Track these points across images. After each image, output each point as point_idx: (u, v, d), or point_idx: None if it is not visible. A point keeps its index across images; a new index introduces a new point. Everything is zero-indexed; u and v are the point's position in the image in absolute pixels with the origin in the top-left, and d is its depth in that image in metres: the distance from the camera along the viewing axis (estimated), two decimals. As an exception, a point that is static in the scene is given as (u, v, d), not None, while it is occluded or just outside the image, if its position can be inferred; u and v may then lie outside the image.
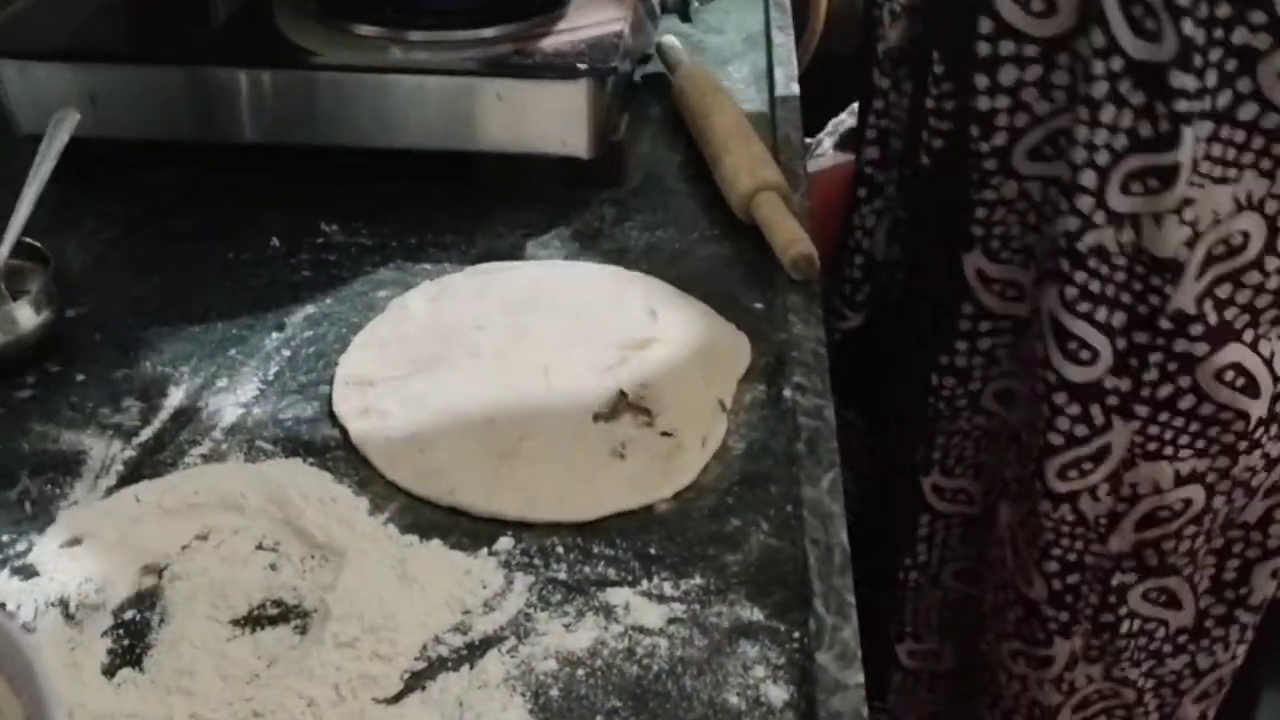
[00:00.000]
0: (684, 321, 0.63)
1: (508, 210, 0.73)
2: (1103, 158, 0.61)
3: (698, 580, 0.48)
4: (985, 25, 0.63)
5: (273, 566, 0.48)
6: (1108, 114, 0.60)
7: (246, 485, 0.51)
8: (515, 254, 0.70)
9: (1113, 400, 0.67)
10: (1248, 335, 0.65)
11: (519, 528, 0.50)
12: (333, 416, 0.56)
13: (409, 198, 0.74)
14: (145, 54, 0.72)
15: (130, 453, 0.54)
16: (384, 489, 0.52)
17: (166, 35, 0.75)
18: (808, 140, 1.24)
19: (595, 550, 0.49)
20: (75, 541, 0.49)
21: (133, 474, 0.53)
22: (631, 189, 0.76)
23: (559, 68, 0.68)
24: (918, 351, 0.75)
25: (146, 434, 0.55)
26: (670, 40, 0.89)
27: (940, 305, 0.72)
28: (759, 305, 0.65)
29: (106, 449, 0.54)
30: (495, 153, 0.72)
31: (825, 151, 1.20)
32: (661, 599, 0.47)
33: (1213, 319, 0.64)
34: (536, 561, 0.49)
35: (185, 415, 0.56)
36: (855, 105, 1.22)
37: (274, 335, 0.62)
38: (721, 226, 0.72)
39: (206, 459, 0.54)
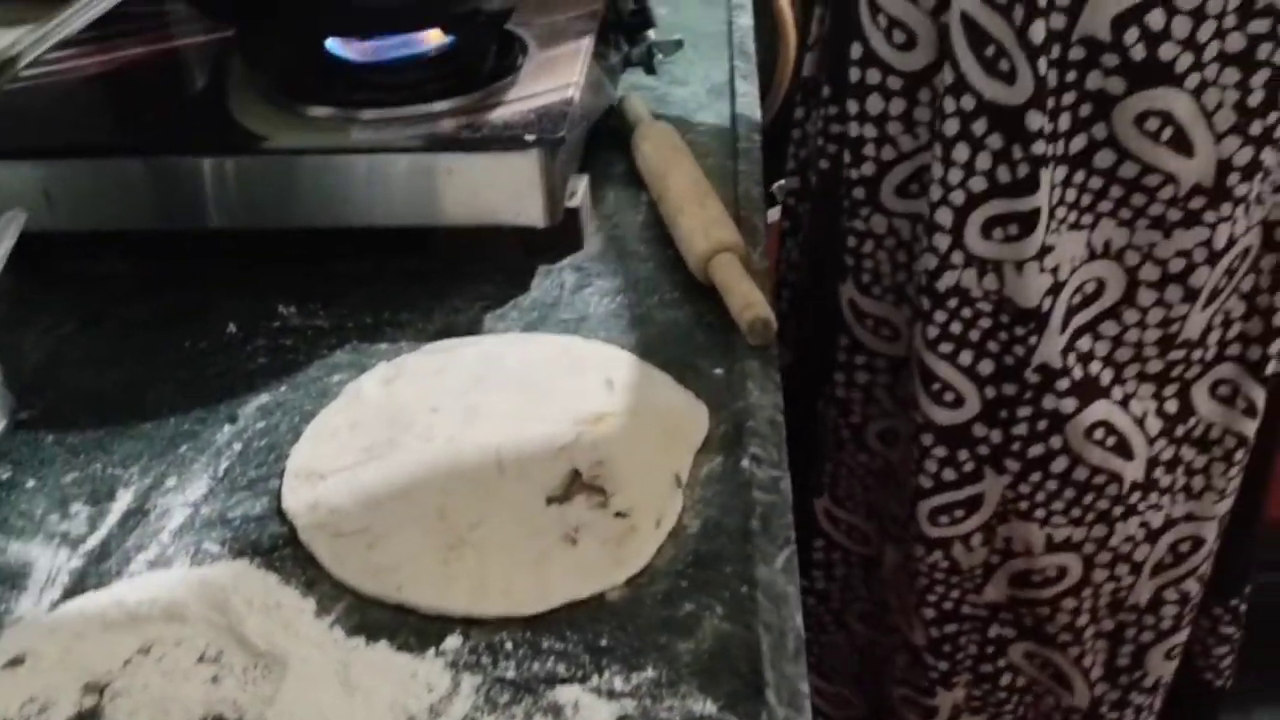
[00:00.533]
0: (641, 392, 0.62)
1: (465, 284, 0.72)
2: (959, 197, 0.61)
3: (649, 673, 0.47)
4: (855, 51, 0.63)
5: (214, 679, 0.47)
6: (961, 153, 0.60)
7: (190, 593, 0.50)
8: (474, 328, 0.69)
9: (983, 450, 0.66)
10: (1115, 392, 0.65)
11: (467, 624, 0.49)
12: (281, 513, 0.55)
13: (367, 276, 0.73)
14: (98, 147, 0.72)
15: (76, 562, 0.53)
16: (331, 588, 0.51)
17: (118, 127, 0.75)
18: (782, 183, 1.23)
19: (545, 645, 0.48)
20: (18, 661, 0.48)
21: (78, 585, 0.52)
22: (591, 254, 0.75)
23: (507, 140, 0.68)
24: (805, 379, 0.75)
25: (93, 541, 0.54)
26: (631, 97, 0.89)
27: (822, 336, 0.72)
28: (718, 371, 0.64)
29: (53, 559, 0.54)
30: (452, 227, 0.72)
31: (802, 193, 1.20)
32: (612, 695, 0.46)
33: (1077, 373, 0.64)
34: (484, 660, 0.48)
35: (133, 519, 0.55)
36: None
37: (226, 428, 0.61)
38: (682, 289, 0.71)
39: (152, 565, 0.53)
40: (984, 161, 0.60)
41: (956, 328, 0.64)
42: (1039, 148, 0.58)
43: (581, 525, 0.53)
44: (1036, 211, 0.59)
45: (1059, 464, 0.66)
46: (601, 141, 0.88)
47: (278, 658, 0.47)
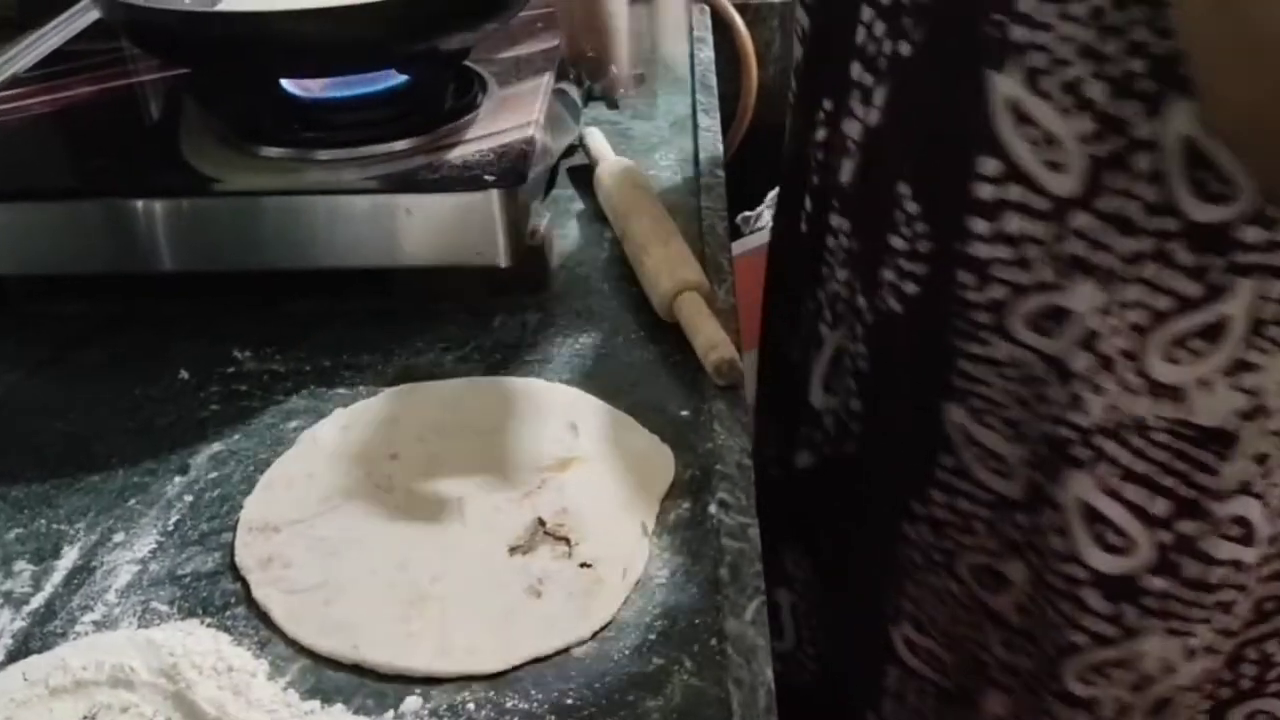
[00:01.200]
0: (606, 436, 0.60)
1: (426, 325, 0.71)
2: (1142, 318, 0.56)
3: (616, 732, 0.45)
4: (990, 166, 0.57)
5: (162, 748, 0.45)
6: (1147, 270, 0.55)
7: (136, 657, 0.48)
8: (435, 370, 0.67)
9: (1150, 602, 0.61)
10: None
11: (428, 683, 0.48)
12: (234, 568, 0.53)
13: (324, 318, 0.72)
14: (46, 190, 0.70)
15: (20, 623, 0.51)
16: (285, 649, 0.49)
17: (69, 169, 0.74)
18: (748, 214, 1.23)
19: (509, 704, 0.47)
20: (-46, 731, 0.46)
21: (21, 648, 0.50)
22: (555, 293, 0.74)
23: (467, 180, 0.67)
24: (881, 497, 0.69)
25: (37, 601, 0.52)
26: (593, 133, 0.88)
27: (911, 454, 0.66)
28: (685, 413, 0.63)
29: (-5, 620, 0.51)
30: (411, 267, 0.70)
31: (765, 224, 1.20)
32: (578, 756, 0.44)
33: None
34: (446, 722, 0.46)
35: (78, 577, 0.53)
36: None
37: (177, 479, 0.59)
38: (647, 328, 0.70)
39: (99, 625, 0.51)
40: (1173, 279, 0.55)
41: (1125, 458, 0.58)
42: (1240, 257, 0.54)
43: (546, 577, 0.52)
44: (1228, 320, 0.55)
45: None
46: (563, 177, 0.87)
47: (229, 724, 0.45)
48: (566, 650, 0.49)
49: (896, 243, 0.63)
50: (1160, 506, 0.59)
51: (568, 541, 0.54)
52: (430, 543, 0.54)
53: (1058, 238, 0.57)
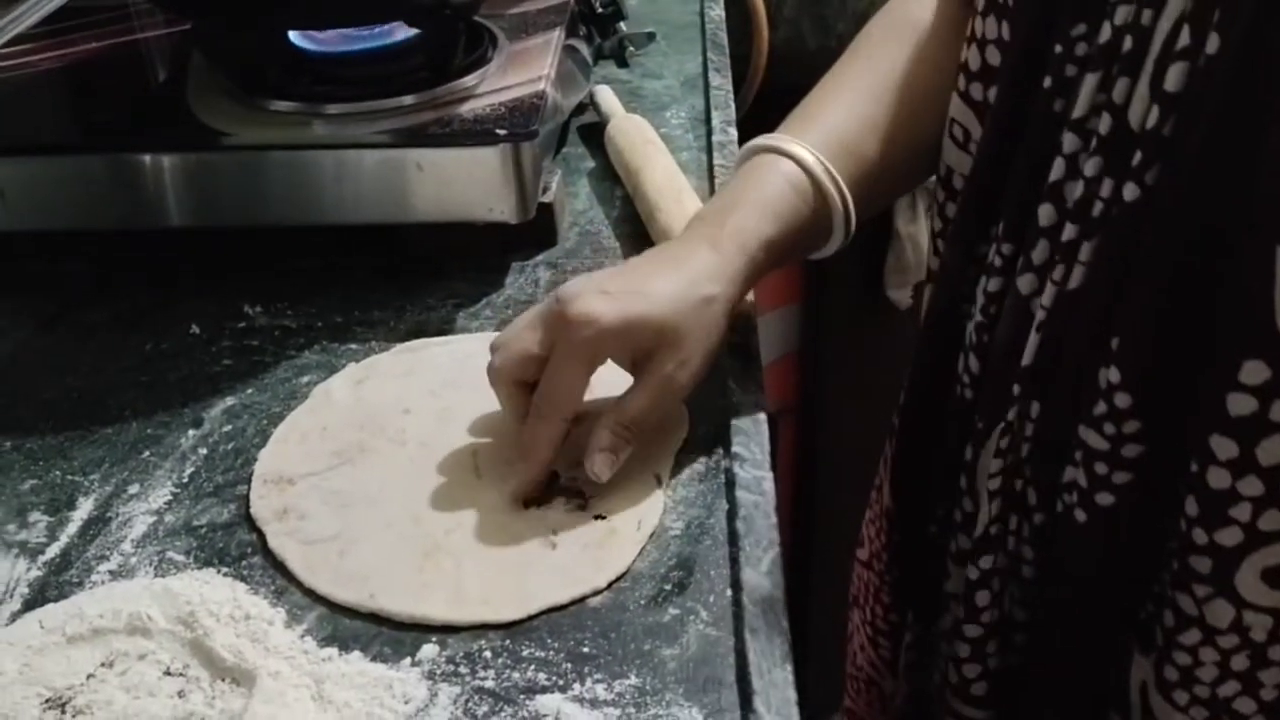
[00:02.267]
0: (618, 391, 0.60)
1: (437, 281, 0.70)
2: None
3: (633, 680, 0.45)
4: (1257, 373, 0.43)
5: (180, 694, 0.45)
6: None
7: (153, 605, 0.48)
8: (446, 327, 0.67)
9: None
10: None
11: (444, 631, 0.48)
12: (250, 519, 0.53)
13: (336, 274, 0.71)
14: (54, 144, 0.70)
15: (36, 573, 0.51)
16: (302, 598, 0.49)
17: (76, 123, 0.73)
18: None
19: (525, 653, 0.47)
20: (-27, 677, 0.46)
21: (37, 597, 0.50)
22: (566, 249, 0.74)
23: (477, 134, 0.66)
24: None
25: (53, 551, 0.52)
26: (604, 90, 0.87)
27: (1076, 706, 0.55)
28: (697, 368, 0.62)
29: (11, 570, 0.51)
30: (422, 223, 0.70)
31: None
32: (595, 704, 0.44)
33: None
34: (462, 670, 0.46)
35: (94, 527, 0.53)
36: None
37: (191, 433, 0.59)
38: (658, 285, 0.69)
39: (115, 575, 0.51)
40: None
41: None
42: None
43: (560, 529, 0.52)
44: None
45: None
46: (574, 135, 0.86)
47: (246, 671, 0.45)
48: (582, 600, 0.49)
49: (1093, 440, 0.49)
50: None
51: (581, 494, 0.54)
52: (444, 495, 0.54)
53: None
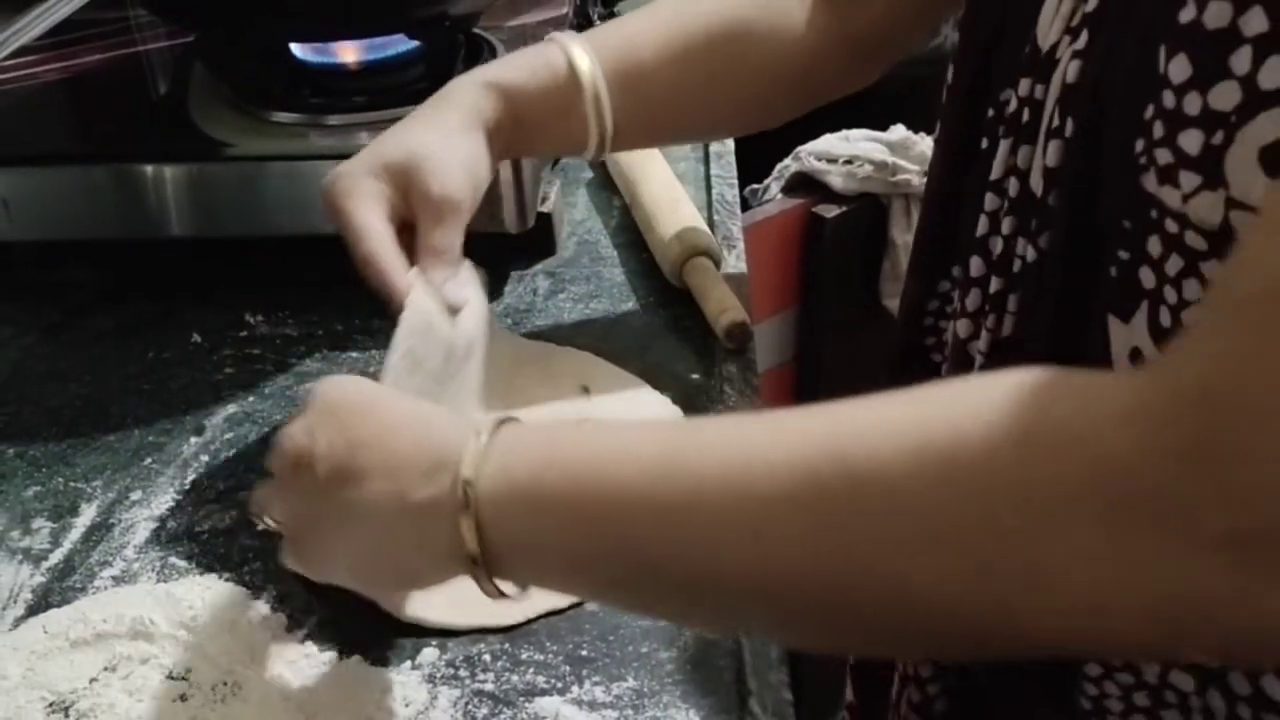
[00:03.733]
0: (617, 398, 0.61)
1: (437, 290, 0.71)
2: None
3: (630, 682, 0.46)
4: None
5: (182, 698, 0.46)
6: None
7: (156, 610, 0.48)
8: (446, 335, 0.68)
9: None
10: None
11: (443, 635, 0.48)
12: (250, 525, 0.54)
13: (336, 283, 0.71)
14: (58, 155, 0.70)
15: (40, 578, 0.52)
16: (302, 603, 0.50)
17: (79, 134, 0.74)
18: (755, 186, 1.23)
19: (524, 656, 0.47)
20: (-23, 682, 0.47)
21: (41, 602, 0.51)
22: (565, 259, 0.74)
23: (477, 145, 0.67)
24: None
25: (56, 557, 0.53)
26: (601, 102, 0.88)
27: None
28: (695, 376, 0.63)
29: (15, 576, 0.52)
30: (421, 232, 0.70)
31: (773, 196, 1.20)
32: (593, 706, 0.45)
33: None
34: (462, 673, 0.47)
35: (97, 534, 0.54)
36: (800, 149, 1.22)
37: (193, 440, 0.60)
38: (656, 294, 0.70)
39: (118, 581, 0.51)
40: None
41: None
42: None
43: None
44: None
45: None
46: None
47: (248, 675, 0.46)
48: (580, 603, 0.49)
49: None
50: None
51: None
52: None
53: None
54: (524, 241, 0.72)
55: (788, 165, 1.19)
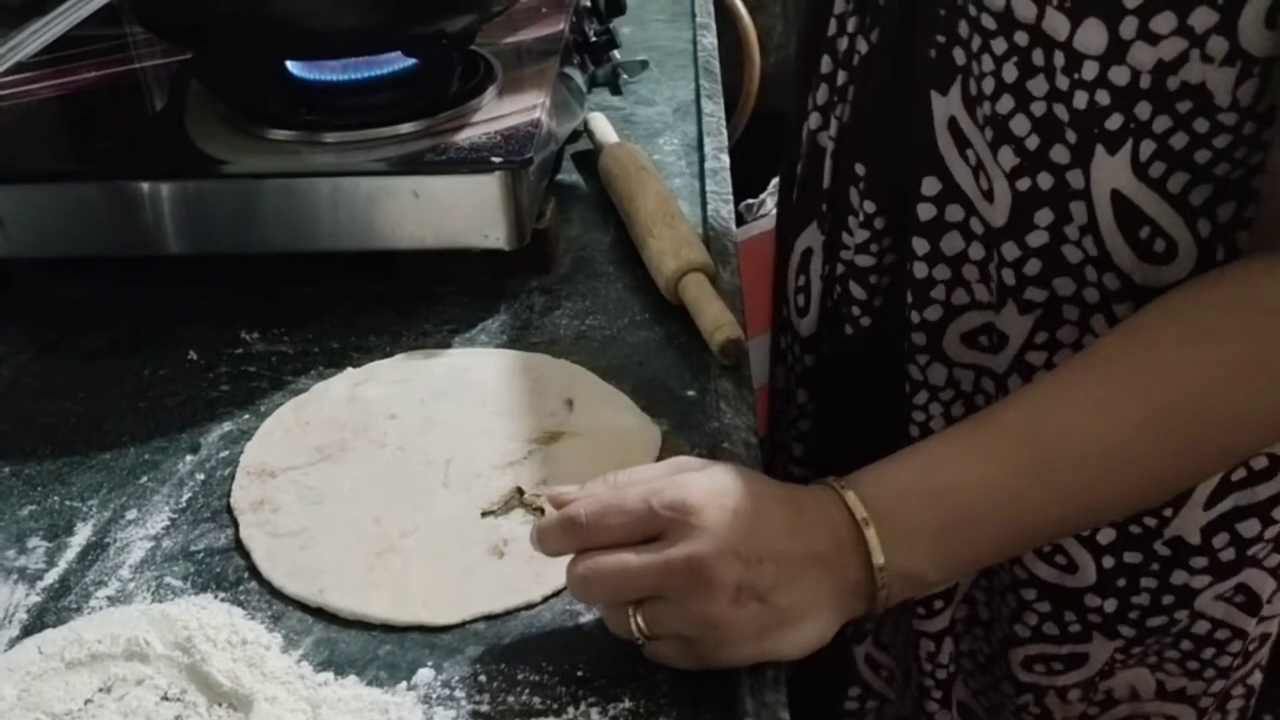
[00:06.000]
0: (599, 413, 0.61)
1: (433, 307, 0.71)
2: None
3: (627, 704, 0.46)
4: (930, 186, 0.57)
5: (178, 719, 0.45)
6: (1099, 325, 0.55)
7: (151, 630, 0.48)
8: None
9: (1094, 618, 0.61)
10: (1271, 560, 0.59)
11: (440, 655, 0.48)
12: (241, 544, 0.54)
13: (333, 300, 0.72)
14: (54, 172, 0.70)
15: (35, 598, 0.52)
16: (298, 623, 0.50)
17: (75, 151, 0.74)
18: (751, 201, 1.23)
19: (520, 676, 0.47)
20: (-28, 703, 0.46)
21: (36, 622, 0.50)
22: (560, 275, 0.74)
23: (472, 162, 0.67)
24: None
25: (51, 577, 0.53)
26: (597, 117, 0.88)
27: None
28: (691, 393, 0.63)
29: (10, 596, 0.52)
30: (418, 250, 0.71)
31: (769, 211, 1.20)
32: (589, 727, 0.45)
33: (1226, 555, 0.58)
34: (458, 694, 0.46)
35: (92, 553, 0.54)
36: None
37: (188, 458, 0.60)
38: (652, 310, 0.70)
39: (113, 601, 0.51)
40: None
41: None
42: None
43: (511, 539, 0.53)
44: None
45: (1180, 624, 0.60)
46: (568, 162, 0.87)
47: (243, 697, 0.46)
48: (516, 611, 0.50)
49: (864, 260, 0.63)
50: (1106, 535, 0.59)
51: (541, 511, 0.54)
52: (408, 500, 0.56)
53: (988, 262, 0.57)
54: (520, 258, 0.72)
55: (783, 179, 1.19)
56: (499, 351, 0.67)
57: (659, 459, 0.58)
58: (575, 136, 0.88)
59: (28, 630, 0.50)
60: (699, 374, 0.64)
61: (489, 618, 0.50)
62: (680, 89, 1.00)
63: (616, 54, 0.99)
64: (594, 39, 0.95)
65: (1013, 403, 0.50)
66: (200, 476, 0.58)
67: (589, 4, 0.97)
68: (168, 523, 0.56)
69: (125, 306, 0.72)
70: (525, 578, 0.51)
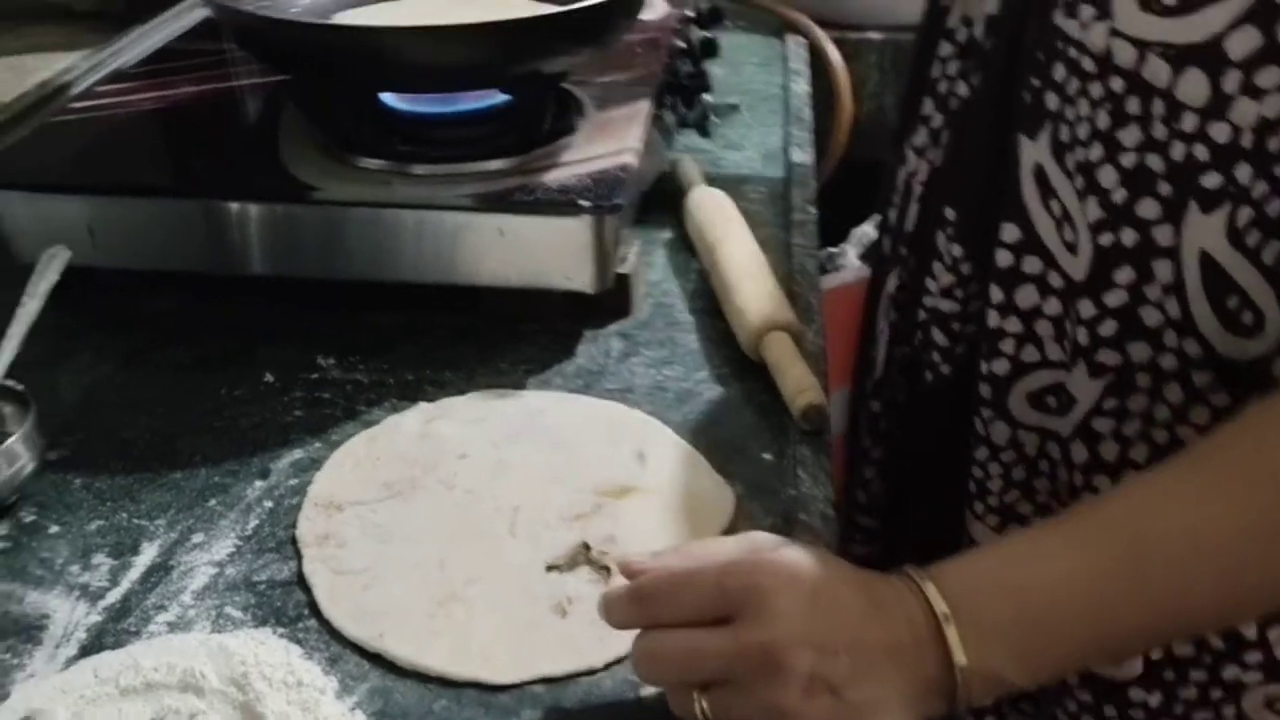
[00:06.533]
0: (671, 471, 0.60)
1: (511, 345, 0.70)
2: (1161, 437, 0.53)
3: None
4: (1010, 233, 0.56)
5: (228, 759, 0.45)
6: (1174, 394, 0.52)
7: (208, 662, 0.48)
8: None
9: (1137, 714, 0.59)
10: None
11: (496, 715, 0.47)
12: (303, 580, 0.53)
13: (410, 331, 0.72)
14: (143, 186, 0.71)
15: (95, 617, 0.51)
16: (354, 668, 0.49)
17: (167, 166, 0.75)
18: (831, 250, 1.21)
19: (576, 742, 0.46)
20: (26, 722, 0.46)
21: (94, 643, 0.50)
22: (639, 321, 0.73)
23: (561, 204, 0.67)
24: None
25: (113, 596, 0.53)
26: (685, 160, 0.87)
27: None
28: (768, 456, 0.61)
29: (71, 613, 0.52)
30: (498, 287, 0.70)
31: (849, 263, 1.18)
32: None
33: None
34: (511, 756, 0.45)
35: (155, 575, 0.54)
36: (880, 216, 1.20)
37: (257, 484, 0.59)
38: (731, 365, 0.69)
39: (172, 627, 0.51)
40: (1200, 416, 0.52)
41: None
42: None
43: (575, 598, 0.52)
44: None
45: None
46: (652, 204, 0.86)
47: (295, 741, 0.45)
48: (577, 676, 0.48)
49: (948, 306, 0.62)
50: None
51: (607, 570, 0.53)
52: (474, 545, 0.55)
53: (1064, 319, 0.55)
54: (600, 300, 0.71)
55: (866, 232, 1.18)
56: (574, 397, 0.66)
57: (732, 525, 0.56)
58: (661, 177, 0.88)
59: (85, 650, 0.50)
60: (777, 436, 0.63)
61: (548, 680, 0.48)
62: (770, 135, 0.99)
63: (708, 96, 0.98)
64: (686, 81, 0.94)
65: (1106, 498, 0.48)
66: (268, 504, 0.58)
67: (683, 45, 0.96)
68: (233, 549, 0.55)
69: (207, 323, 0.72)
70: (588, 640, 0.49)
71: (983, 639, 0.43)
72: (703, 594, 0.43)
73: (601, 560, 0.54)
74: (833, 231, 1.22)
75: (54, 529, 0.56)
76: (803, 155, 0.94)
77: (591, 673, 0.49)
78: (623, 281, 0.72)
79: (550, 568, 0.53)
